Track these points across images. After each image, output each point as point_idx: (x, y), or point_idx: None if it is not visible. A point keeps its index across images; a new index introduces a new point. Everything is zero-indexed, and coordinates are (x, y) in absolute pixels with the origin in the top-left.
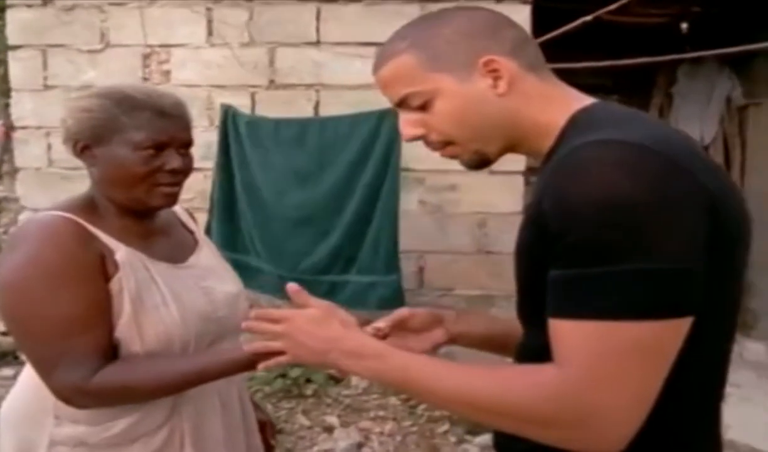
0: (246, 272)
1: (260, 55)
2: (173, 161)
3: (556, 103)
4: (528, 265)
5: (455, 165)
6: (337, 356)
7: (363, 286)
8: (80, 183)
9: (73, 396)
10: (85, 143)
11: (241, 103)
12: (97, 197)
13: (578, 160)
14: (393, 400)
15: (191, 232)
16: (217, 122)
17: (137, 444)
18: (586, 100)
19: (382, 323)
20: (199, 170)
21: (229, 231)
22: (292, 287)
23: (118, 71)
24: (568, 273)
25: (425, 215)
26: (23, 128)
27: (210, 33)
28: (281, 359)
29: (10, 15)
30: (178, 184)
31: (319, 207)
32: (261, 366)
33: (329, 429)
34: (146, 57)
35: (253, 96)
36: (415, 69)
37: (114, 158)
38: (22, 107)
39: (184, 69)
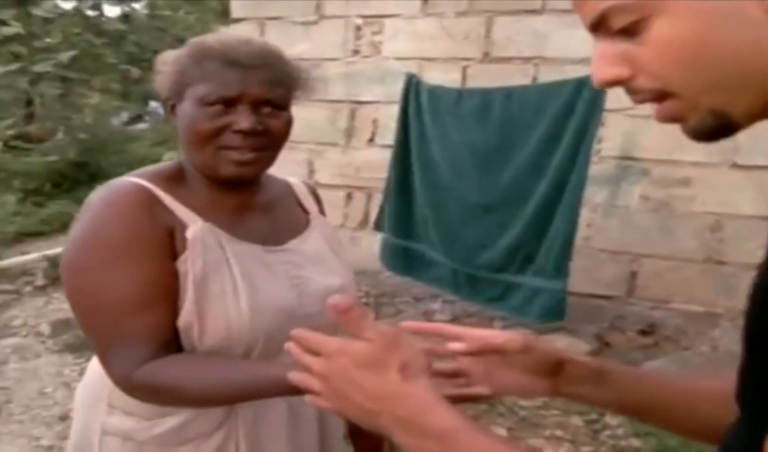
0: (419, 263)
1: (476, 25)
2: (242, 121)
3: None
4: None
5: (691, 155)
6: (389, 423)
7: (530, 292)
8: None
9: (122, 384)
10: (172, 101)
11: (451, 77)
12: (185, 164)
13: None
14: (576, 420)
15: (307, 213)
16: None
17: (187, 447)
18: None
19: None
20: None
21: (403, 216)
22: (337, 304)
23: (329, 43)
24: None
25: (646, 213)
26: None
27: (425, 2)
28: (320, 403)
29: None
30: (254, 149)
31: (500, 194)
32: (307, 398)
33: None
34: (358, 28)
35: (464, 70)
36: None
37: (184, 116)
38: None
39: (395, 41)
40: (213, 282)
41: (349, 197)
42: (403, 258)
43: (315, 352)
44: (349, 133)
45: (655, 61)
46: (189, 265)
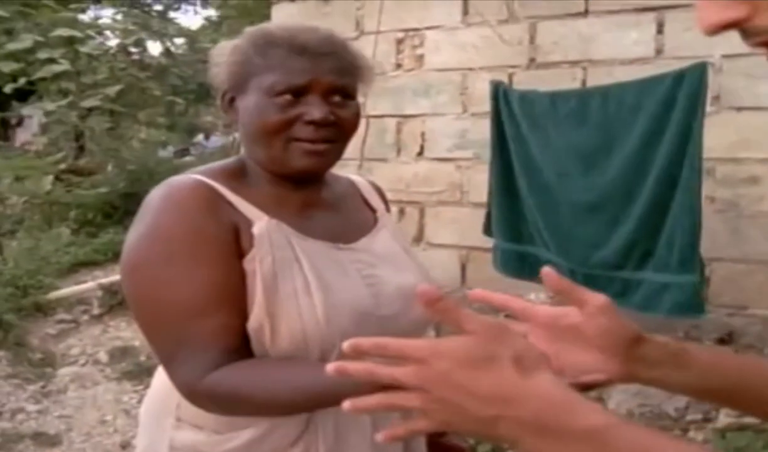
0: (535, 265)
1: (519, 32)
2: (314, 111)
3: None
4: None
5: (756, 152)
6: (512, 428)
7: (657, 287)
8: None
9: (187, 393)
10: (231, 94)
11: None
12: (247, 160)
13: None
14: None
15: (374, 211)
16: (471, 108)
17: None
18: None
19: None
20: (449, 160)
21: (512, 220)
22: (426, 292)
23: (371, 58)
24: None
25: (714, 214)
26: None
27: (466, 12)
28: (419, 425)
29: (276, 10)
30: (325, 140)
31: (607, 192)
32: (378, 437)
33: None
34: (400, 42)
35: (510, 77)
36: None
37: (248, 108)
38: None
39: (438, 52)
40: (283, 281)
41: (401, 212)
42: (518, 262)
43: (397, 361)
44: (398, 147)
45: None
46: (257, 263)
